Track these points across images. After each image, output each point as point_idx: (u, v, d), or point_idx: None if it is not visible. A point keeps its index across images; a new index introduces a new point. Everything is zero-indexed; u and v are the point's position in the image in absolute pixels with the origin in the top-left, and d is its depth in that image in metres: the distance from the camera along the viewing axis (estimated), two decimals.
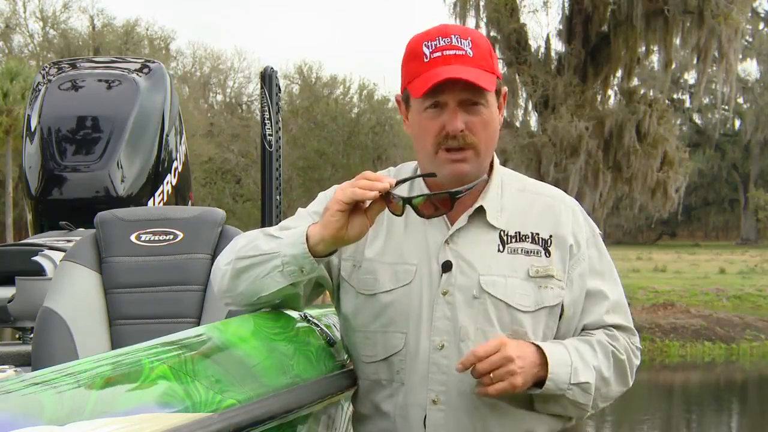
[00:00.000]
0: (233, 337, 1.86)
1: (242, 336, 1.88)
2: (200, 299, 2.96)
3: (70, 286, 2.94)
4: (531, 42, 22.77)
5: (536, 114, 22.69)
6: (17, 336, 4.34)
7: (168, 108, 5.25)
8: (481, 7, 22.40)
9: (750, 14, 31.23)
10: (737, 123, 54.47)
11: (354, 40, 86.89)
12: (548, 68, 22.28)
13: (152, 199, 5.08)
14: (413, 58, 1.99)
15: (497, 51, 20.62)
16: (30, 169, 5.00)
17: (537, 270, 2.01)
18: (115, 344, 2.88)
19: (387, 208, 1.89)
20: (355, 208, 1.87)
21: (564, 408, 2.01)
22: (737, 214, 55.08)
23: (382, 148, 34.46)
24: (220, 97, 46.53)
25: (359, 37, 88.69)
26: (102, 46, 39.10)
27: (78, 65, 5.57)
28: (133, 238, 3.03)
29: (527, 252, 2.02)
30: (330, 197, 2.06)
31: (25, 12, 41.28)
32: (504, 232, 2.03)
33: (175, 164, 5.30)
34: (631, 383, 2.10)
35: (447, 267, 2.00)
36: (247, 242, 2.01)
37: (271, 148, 4.92)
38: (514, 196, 2.08)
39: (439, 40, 1.96)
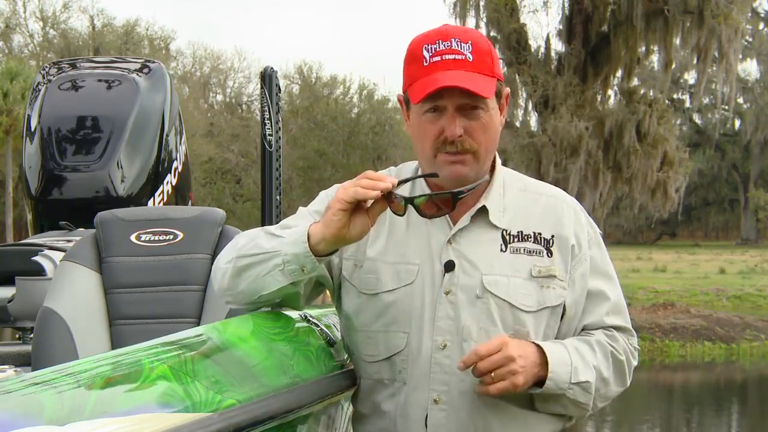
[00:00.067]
0: (233, 337, 1.86)
1: (242, 336, 1.88)
2: (200, 299, 2.96)
3: (70, 286, 2.94)
4: (531, 42, 22.79)
5: (536, 114, 22.70)
6: (17, 336, 4.34)
7: (168, 108, 5.25)
8: (481, 7, 22.40)
9: (750, 14, 31.23)
10: (737, 123, 54.50)
11: (354, 40, 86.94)
12: (548, 68, 22.28)
13: (152, 199, 5.08)
14: (413, 61, 1.99)
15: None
16: (30, 169, 5.00)
17: (539, 270, 2.01)
18: (115, 344, 2.88)
19: (389, 208, 1.89)
20: (356, 207, 1.87)
21: (564, 407, 2.01)
22: (737, 214, 55.08)
23: (382, 148, 34.47)
24: (220, 97, 46.57)
25: (359, 37, 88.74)
26: (102, 46, 39.10)
27: (78, 65, 5.57)
28: (133, 238, 3.03)
29: (529, 252, 2.02)
30: (331, 196, 2.05)
31: (25, 12, 41.33)
32: (506, 231, 2.03)
33: (175, 164, 5.30)
34: (629, 383, 2.11)
35: (450, 267, 2.00)
36: (247, 241, 2.00)
37: (271, 148, 4.92)
38: (516, 195, 2.08)
39: (439, 43, 1.96)
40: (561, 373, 1.95)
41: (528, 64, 21.91)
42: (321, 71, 39.55)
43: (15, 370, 1.96)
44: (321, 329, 2.18)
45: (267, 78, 5.02)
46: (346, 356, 2.17)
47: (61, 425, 1.28)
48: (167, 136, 5.21)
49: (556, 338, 2.04)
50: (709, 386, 15.30)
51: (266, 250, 1.94)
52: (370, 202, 1.87)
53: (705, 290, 23.66)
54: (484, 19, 22.39)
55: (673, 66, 23.84)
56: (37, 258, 4.02)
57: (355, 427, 2.15)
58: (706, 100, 46.93)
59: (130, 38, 40.94)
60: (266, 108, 4.93)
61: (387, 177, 1.89)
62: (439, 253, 2.01)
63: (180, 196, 5.35)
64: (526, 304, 1.99)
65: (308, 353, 2.02)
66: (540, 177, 16.17)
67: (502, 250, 2.02)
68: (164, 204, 5.16)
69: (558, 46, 23.00)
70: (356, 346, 2.09)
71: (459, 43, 1.96)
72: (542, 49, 22.93)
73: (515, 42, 21.99)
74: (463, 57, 1.94)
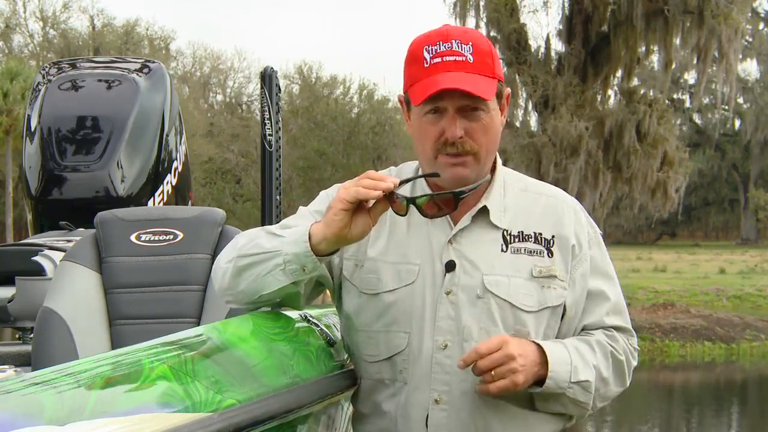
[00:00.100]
0: (233, 337, 1.86)
1: (242, 336, 1.88)
2: (200, 299, 2.96)
3: (70, 286, 2.94)
4: (531, 42, 22.79)
5: (536, 114, 22.70)
6: (17, 336, 4.34)
7: (168, 108, 5.25)
8: (481, 7, 22.40)
9: (750, 14, 31.23)
10: (737, 123, 54.50)
11: (354, 40, 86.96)
12: (548, 68, 22.28)
13: (152, 199, 5.08)
14: (414, 62, 1.99)
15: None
16: (30, 169, 5.00)
17: (540, 270, 2.01)
18: (115, 344, 2.87)
19: (390, 208, 1.89)
20: (358, 207, 1.87)
21: (564, 406, 2.01)
22: (737, 214, 55.09)
23: (382, 148, 34.48)
24: (220, 97, 46.58)
25: (359, 37, 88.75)
26: (102, 46, 39.10)
27: (78, 65, 5.57)
28: (133, 238, 3.03)
29: (530, 252, 2.02)
30: (332, 196, 2.06)
31: (25, 12, 41.33)
32: (507, 231, 2.03)
33: (175, 164, 5.30)
34: (628, 383, 2.11)
35: (450, 267, 2.00)
36: (248, 240, 2.00)
37: (271, 148, 4.92)
38: (516, 196, 2.09)
39: (439, 44, 1.96)
40: (561, 372, 1.95)
41: (528, 64, 21.91)
42: (321, 71, 39.60)
43: (15, 370, 1.96)
44: (321, 329, 2.18)
45: (267, 78, 5.02)
46: (346, 356, 2.17)
47: (61, 425, 1.28)
48: (167, 136, 5.21)
49: (556, 338, 2.04)
50: (709, 386, 15.30)
51: (267, 250, 1.94)
52: (371, 202, 1.87)
53: (705, 290, 23.66)
54: (484, 19, 22.41)
55: (673, 66, 23.85)
56: (37, 258, 4.02)
57: (356, 427, 2.15)
58: (706, 100, 46.94)
59: (130, 38, 40.95)
60: (266, 108, 4.93)
61: (389, 177, 1.89)
62: (439, 253, 2.01)
63: (180, 196, 5.35)
64: (526, 304, 1.99)
65: (308, 353, 2.02)
66: (540, 177, 16.16)
67: (502, 251, 2.02)
68: (164, 204, 5.16)
69: (558, 46, 23.03)
70: (357, 346, 2.09)
71: (460, 44, 1.95)
72: (542, 49, 22.94)
73: (515, 42, 21.99)
74: (464, 58, 1.94)
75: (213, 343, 1.83)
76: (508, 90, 2.08)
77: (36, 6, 48.43)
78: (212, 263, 2.87)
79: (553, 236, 2.04)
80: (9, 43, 41.22)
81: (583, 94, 21.61)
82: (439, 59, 1.95)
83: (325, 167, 33.31)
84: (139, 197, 4.98)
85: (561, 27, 22.63)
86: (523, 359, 1.91)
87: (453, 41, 1.96)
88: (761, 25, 45.66)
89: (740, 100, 49.18)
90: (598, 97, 22.70)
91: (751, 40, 44.66)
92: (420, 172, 2.09)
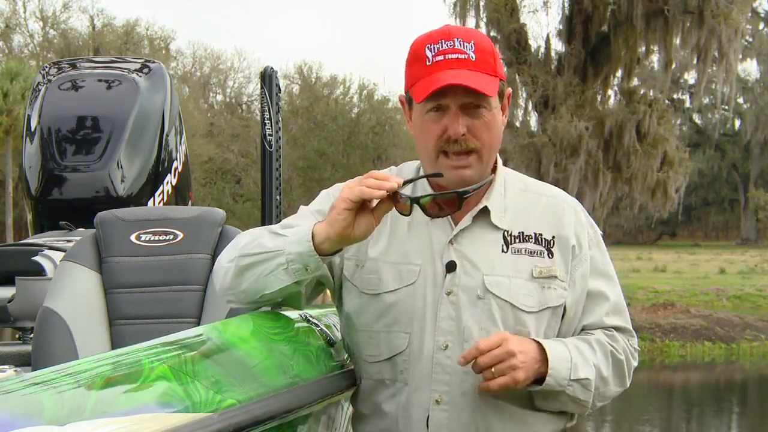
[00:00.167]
0: (233, 338, 1.86)
1: (242, 336, 1.88)
2: (200, 299, 2.96)
3: (70, 286, 2.94)
4: (531, 42, 22.79)
5: (536, 114, 22.70)
6: (17, 336, 4.34)
7: (168, 108, 5.25)
8: (481, 7, 22.40)
9: (750, 14, 31.23)
10: (737, 123, 54.51)
11: (354, 40, 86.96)
12: (548, 68, 22.28)
13: (152, 199, 5.07)
14: (416, 61, 1.99)
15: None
16: (30, 169, 4.99)
17: (540, 270, 2.01)
18: (115, 344, 2.87)
19: (394, 208, 1.89)
20: (361, 207, 1.86)
21: (564, 405, 2.01)
22: (737, 214, 55.09)
23: (382, 148, 34.49)
24: (220, 97, 46.58)
25: (359, 37, 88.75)
26: (102, 46, 39.10)
27: (78, 65, 5.57)
28: (133, 238, 3.03)
29: (531, 252, 2.02)
30: (333, 195, 2.06)
31: (25, 12, 41.33)
32: (508, 232, 2.03)
33: (175, 164, 5.30)
34: (628, 384, 2.11)
35: (451, 267, 2.00)
36: (250, 240, 2.00)
37: (271, 148, 4.92)
38: (516, 196, 2.08)
39: (441, 43, 1.96)
40: (561, 370, 1.95)
41: (528, 64, 21.91)
42: (321, 71, 39.60)
43: (15, 370, 1.95)
44: (321, 329, 2.18)
45: (267, 78, 5.02)
46: (346, 356, 2.17)
47: (61, 425, 1.28)
48: (167, 136, 5.21)
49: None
50: (709, 386, 15.30)
51: (269, 249, 1.94)
52: (375, 202, 1.87)
53: (705, 290, 23.66)
54: (484, 19, 22.41)
55: (673, 66, 23.85)
56: (37, 258, 4.02)
57: (356, 427, 2.15)
58: (706, 100, 46.93)
59: (130, 38, 40.95)
60: (266, 108, 4.93)
61: (392, 177, 1.88)
62: (440, 254, 2.01)
63: (180, 196, 5.35)
64: (527, 305, 1.99)
65: (308, 353, 2.02)
66: (540, 177, 16.17)
67: (503, 251, 2.01)
68: (164, 204, 5.16)
69: (558, 46, 23.03)
70: (357, 346, 2.09)
71: (462, 43, 1.96)
72: (542, 49, 22.94)
73: (515, 42, 21.99)
74: (466, 56, 1.94)
75: (213, 343, 1.83)
76: (509, 89, 2.08)
77: (36, 6, 48.47)
78: (212, 263, 2.88)
79: (553, 237, 2.04)
80: (9, 43, 41.23)
81: (583, 94, 21.61)
82: (441, 57, 1.95)
83: (325, 167, 33.32)
84: (139, 197, 4.97)
85: (561, 27, 22.63)
86: (523, 356, 1.91)
87: (455, 39, 1.96)
88: (761, 25, 45.66)
89: (740, 100, 49.21)
90: (598, 97, 22.70)
91: (751, 40, 44.66)
92: (421, 172, 2.09)
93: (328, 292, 2.15)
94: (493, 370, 1.90)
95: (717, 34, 20.62)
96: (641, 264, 31.54)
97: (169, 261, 2.99)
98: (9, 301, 3.99)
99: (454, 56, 1.94)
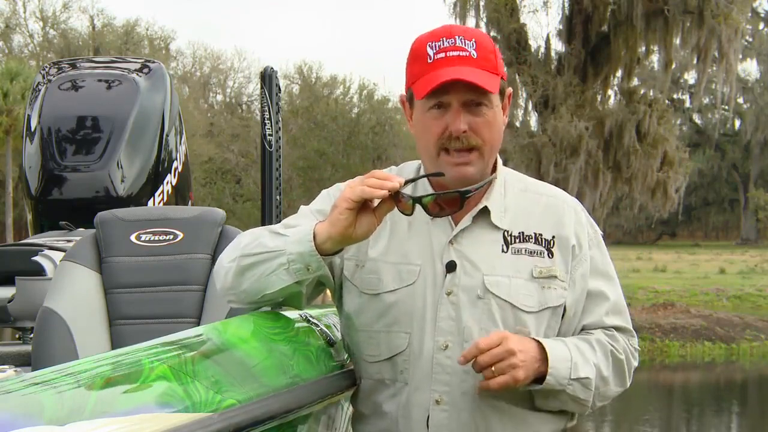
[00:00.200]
0: (233, 338, 1.86)
1: (242, 336, 1.88)
2: (200, 299, 2.95)
3: (70, 286, 2.94)
4: (531, 42, 22.79)
5: (536, 114, 22.70)
6: (17, 336, 4.34)
7: (168, 108, 5.25)
8: (481, 7, 22.40)
9: (750, 14, 31.23)
10: (737, 123, 54.51)
11: (354, 40, 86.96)
12: (548, 68, 22.28)
13: (152, 199, 5.07)
14: (417, 59, 1.98)
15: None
16: (30, 169, 4.99)
17: (540, 271, 2.01)
18: (115, 344, 2.87)
19: (396, 208, 1.89)
20: (363, 206, 1.86)
21: (564, 404, 2.01)
22: (737, 214, 55.09)
23: (382, 148, 34.50)
24: (220, 97, 46.58)
25: (359, 37, 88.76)
26: (102, 46, 39.10)
27: (78, 65, 5.57)
28: (133, 238, 3.03)
29: (531, 252, 2.02)
30: (333, 195, 2.06)
31: (25, 12, 41.33)
32: (508, 232, 2.03)
33: (175, 164, 5.30)
34: (628, 384, 2.10)
35: (451, 267, 2.00)
36: (251, 239, 2.00)
37: (271, 148, 4.92)
38: (516, 196, 2.08)
39: (443, 41, 1.96)
40: (561, 369, 1.95)
41: (528, 64, 21.91)
42: (321, 71, 39.62)
43: (15, 370, 1.95)
44: (321, 329, 2.18)
45: (267, 78, 5.02)
46: (346, 356, 2.17)
47: (61, 425, 1.28)
48: (167, 136, 5.21)
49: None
50: (709, 386, 15.30)
51: (271, 249, 1.94)
52: (376, 202, 1.87)
53: (705, 290, 23.66)
54: (484, 19, 22.40)
55: (673, 66, 23.85)
56: (37, 258, 4.02)
57: (356, 427, 2.15)
58: (706, 100, 46.93)
59: (130, 38, 40.95)
60: (266, 108, 4.93)
61: (394, 176, 1.88)
62: (440, 254, 2.01)
63: (180, 196, 5.35)
64: (527, 305, 1.99)
65: (308, 353, 2.02)
66: (540, 177, 16.15)
67: (503, 251, 2.01)
68: (164, 204, 5.16)
69: (558, 46, 23.03)
70: (357, 346, 2.08)
71: (463, 41, 1.96)
72: (542, 49, 22.94)
73: (515, 42, 21.99)
74: (468, 54, 1.95)
75: (213, 343, 1.82)
76: (510, 89, 2.08)
77: (36, 6, 48.46)
78: (212, 263, 2.88)
79: (553, 237, 2.04)
80: (9, 43, 41.23)
81: (583, 94, 21.61)
82: (442, 54, 1.95)
83: (325, 167, 33.33)
84: (139, 197, 4.97)
85: (561, 27, 22.63)
86: (523, 355, 1.91)
87: (456, 37, 1.96)
88: (761, 25, 45.66)
89: (740, 100, 49.21)
90: (598, 97, 22.70)
91: (751, 40, 44.66)
92: (422, 171, 2.09)
93: (328, 292, 2.15)
94: (493, 369, 1.89)
95: (717, 34, 20.62)
96: (641, 264, 31.54)
97: (169, 261, 2.99)
98: (9, 301, 3.99)
99: (455, 53, 1.94)
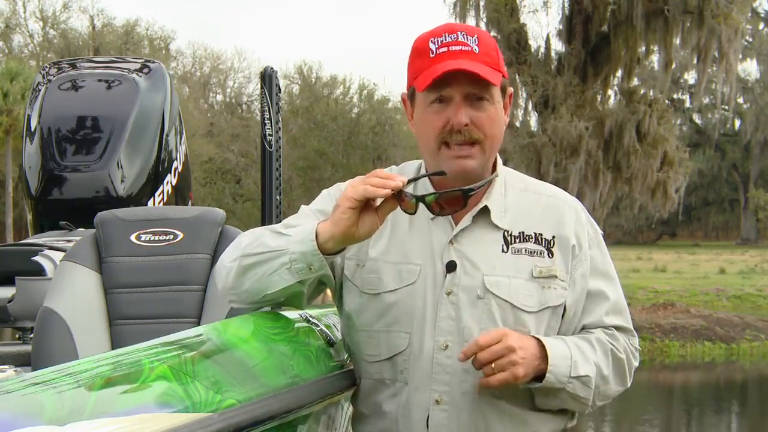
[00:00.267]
0: (233, 338, 1.86)
1: (242, 336, 1.88)
2: (200, 299, 2.95)
3: (70, 286, 2.94)
4: (531, 42, 22.79)
5: (536, 114, 22.71)
6: (17, 336, 4.34)
7: (168, 108, 5.25)
8: (481, 7, 22.41)
9: (750, 14, 31.23)
10: (737, 123, 54.51)
11: (354, 40, 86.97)
12: (548, 68, 22.28)
13: (152, 199, 5.07)
14: (419, 54, 1.99)
15: None
16: (30, 169, 4.99)
17: (540, 270, 2.01)
18: (115, 344, 2.87)
19: (399, 207, 1.88)
20: (365, 206, 1.86)
21: (564, 402, 2.01)
22: (737, 214, 55.09)
23: (382, 148, 34.50)
24: (220, 97, 46.58)
25: (359, 37, 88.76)
26: (102, 46, 39.11)
27: (78, 65, 5.57)
28: (133, 238, 3.03)
29: (531, 252, 2.02)
30: (334, 195, 2.06)
31: (25, 12, 41.34)
32: (508, 232, 2.03)
33: (175, 164, 5.30)
34: (629, 383, 2.10)
35: (451, 267, 1.99)
36: (253, 239, 1.99)
37: (271, 148, 4.92)
38: (517, 196, 2.08)
39: (445, 36, 1.97)
40: (561, 367, 1.95)
41: (528, 64, 21.91)
42: (321, 71, 39.62)
43: (15, 370, 1.95)
44: (321, 329, 2.18)
45: (267, 78, 5.02)
46: (346, 356, 2.17)
47: (61, 425, 1.28)
48: (167, 136, 5.21)
49: None
50: (709, 386, 15.30)
51: (273, 249, 1.93)
52: (379, 201, 1.87)
53: (705, 290, 23.66)
54: (484, 19, 22.40)
55: (673, 66, 23.85)
56: (37, 258, 4.02)
57: (356, 427, 2.15)
58: (706, 100, 46.92)
59: (130, 38, 40.95)
60: (266, 108, 4.93)
61: (397, 176, 1.88)
62: (440, 254, 2.01)
63: (180, 196, 5.35)
64: (527, 305, 1.99)
65: (308, 353, 2.02)
66: (540, 177, 16.09)
67: (503, 251, 2.01)
68: (164, 204, 5.16)
69: (558, 46, 23.04)
70: (357, 345, 2.08)
71: (465, 36, 1.96)
72: (542, 49, 22.95)
73: (515, 42, 21.99)
74: (470, 48, 1.95)
75: (213, 343, 1.82)
76: (511, 89, 2.08)
77: (36, 6, 48.49)
78: (212, 263, 2.89)
79: (553, 236, 2.04)
80: (9, 43, 41.24)
81: (583, 94, 21.61)
82: (445, 49, 1.95)
83: (325, 167, 33.33)
84: (139, 197, 4.97)
85: (561, 27, 22.63)
86: (523, 352, 1.91)
87: (459, 33, 1.97)
88: (761, 25, 45.66)
89: (740, 100, 49.21)
90: (598, 97, 22.70)
91: (751, 40, 44.66)
92: (423, 169, 2.09)
93: (328, 292, 2.15)
94: (492, 365, 1.89)
95: (717, 34, 20.62)
96: (641, 264, 31.54)
97: (169, 261, 2.99)
98: (9, 301, 3.99)
99: (457, 48, 1.95)
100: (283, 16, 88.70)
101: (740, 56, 27.51)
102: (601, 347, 2.03)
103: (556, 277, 2.01)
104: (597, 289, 2.07)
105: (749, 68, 52.74)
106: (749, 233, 51.25)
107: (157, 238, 3.04)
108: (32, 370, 2.21)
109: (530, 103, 22.50)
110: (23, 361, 3.15)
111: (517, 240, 2.02)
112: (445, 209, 1.92)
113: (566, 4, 22.39)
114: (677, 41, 21.46)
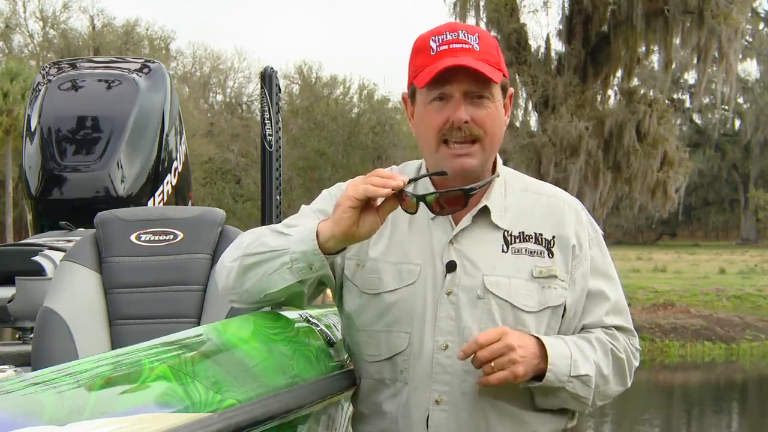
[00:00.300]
0: (233, 338, 1.86)
1: (242, 336, 1.88)
2: (200, 299, 2.95)
3: (70, 286, 2.94)
4: (531, 42, 22.81)
5: (536, 114, 22.72)
6: (17, 336, 4.34)
7: (168, 108, 5.25)
8: (481, 7, 22.42)
9: (750, 14, 31.23)
10: (737, 123, 54.51)
11: (354, 40, 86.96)
12: (548, 68, 22.29)
13: (152, 199, 5.07)
14: (420, 52, 1.99)
15: None
16: (30, 169, 4.99)
17: (540, 270, 2.01)
18: (115, 344, 2.87)
19: (400, 206, 1.88)
20: (366, 205, 1.86)
21: (564, 401, 2.00)
22: (737, 214, 55.08)
23: (382, 148, 34.48)
24: (220, 97, 46.58)
25: (359, 37, 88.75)
26: (102, 46, 39.11)
27: (78, 65, 5.56)
28: (133, 238, 3.03)
29: (531, 252, 2.02)
30: (334, 195, 2.06)
31: (25, 12, 41.34)
32: (508, 232, 2.03)
33: (175, 164, 5.30)
34: (629, 383, 2.10)
35: (451, 267, 1.99)
36: (253, 239, 1.99)
37: (271, 148, 4.92)
38: (517, 196, 2.08)
39: (446, 34, 1.97)
40: (561, 366, 1.95)
41: (528, 64, 21.92)
42: (321, 71, 39.58)
43: (15, 370, 1.95)
44: (321, 329, 2.18)
45: (267, 78, 5.02)
46: (346, 356, 2.17)
47: (61, 425, 1.28)
48: (167, 136, 5.21)
49: None
50: (709, 386, 15.30)
51: (273, 248, 1.93)
52: (380, 200, 1.87)
53: (705, 290, 23.65)
54: (484, 19, 22.41)
55: (673, 66, 23.85)
56: (37, 258, 4.02)
57: (356, 427, 2.15)
58: (706, 100, 46.88)
59: (130, 38, 40.94)
60: (266, 108, 4.93)
61: (398, 175, 1.88)
62: (440, 254, 2.01)
63: (180, 196, 5.35)
64: (527, 305, 1.99)
65: (308, 353, 2.02)
66: (540, 177, 16.08)
67: (503, 251, 2.01)
68: (164, 204, 5.16)
69: (558, 46, 23.05)
70: (357, 345, 2.08)
71: (466, 35, 1.97)
72: (542, 49, 22.96)
73: (515, 42, 22.00)
74: (471, 46, 1.95)
75: (213, 344, 1.82)
76: (512, 89, 2.08)
77: (36, 6, 48.49)
78: (212, 263, 2.89)
79: (553, 236, 2.04)
80: (9, 43, 41.23)
81: (583, 94, 21.62)
82: (446, 47, 1.95)
83: (325, 167, 33.32)
84: (139, 197, 4.97)
85: (561, 27, 22.65)
86: (523, 350, 1.91)
87: (460, 31, 1.97)
88: (761, 25, 45.66)
89: (740, 100, 49.21)
90: (598, 97, 22.71)
91: (751, 40, 44.66)
92: (424, 169, 2.09)
93: (328, 292, 2.15)
94: (492, 364, 1.89)
95: (717, 34, 20.63)
96: (641, 264, 31.54)
97: (169, 261, 2.99)
98: (9, 301, 3.99)
99: (458, 46, 1.95)
100: (283, 16, 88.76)
101: (740, 56, 27.52)
102: (601, 347, 2.03)
103: (556, 277, 2.01)
104: (597, 289, 2.06)
105: (749, 68, 52.80)
106: (749, 233, 51.25)
107: (157, 238, 3.04)
108: (32, 370, 2.21)
109: (530, 103, 22.51)
110: (23, 361, 3.15)
111: (517, 240, 2.02)
112: (446, 209, 1.92)
113: (566, 4, 22.41)
114: (677, 41, 21.47)
